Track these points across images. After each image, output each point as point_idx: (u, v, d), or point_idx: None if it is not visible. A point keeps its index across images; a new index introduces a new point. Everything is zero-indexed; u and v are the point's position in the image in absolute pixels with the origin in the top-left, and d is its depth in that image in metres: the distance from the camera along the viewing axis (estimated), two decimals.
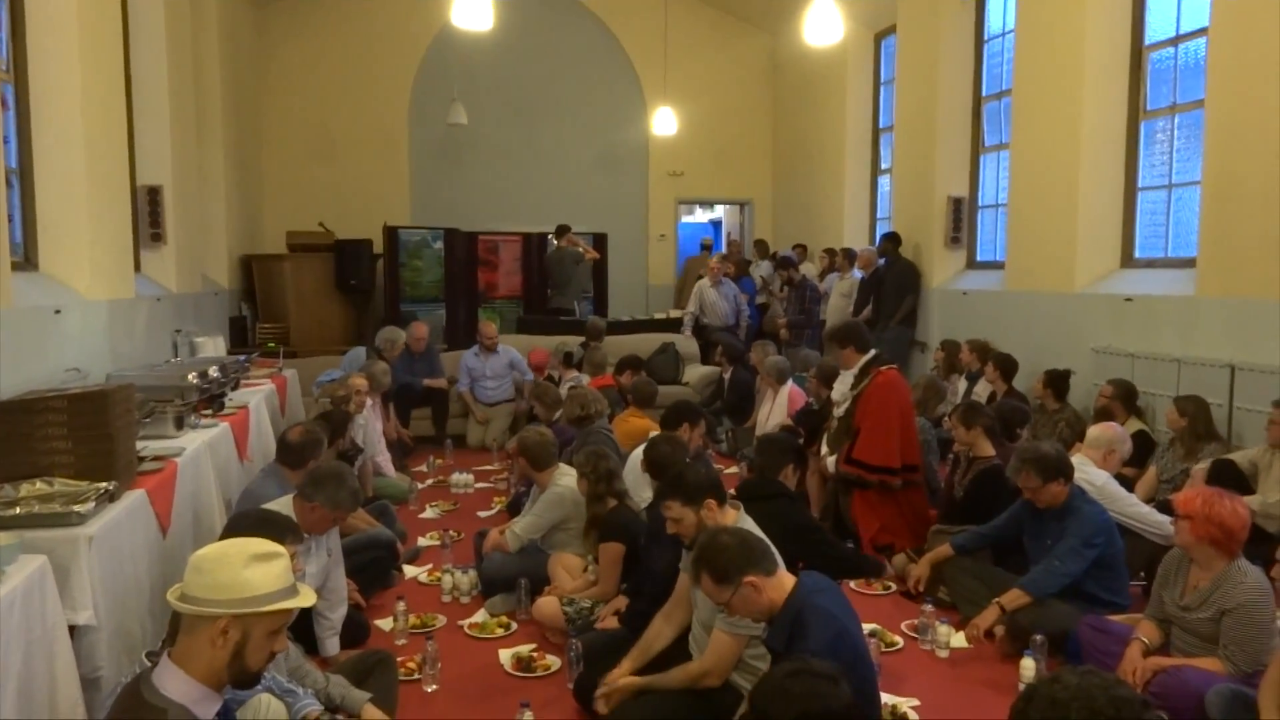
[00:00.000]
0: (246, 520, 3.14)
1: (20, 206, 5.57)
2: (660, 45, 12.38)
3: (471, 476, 7.10)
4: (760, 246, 11.98)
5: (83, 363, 5.46)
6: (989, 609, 4.04)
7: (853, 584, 4.90)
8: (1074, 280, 7.20)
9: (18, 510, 3.20)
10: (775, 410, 7.36)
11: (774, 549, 2.72)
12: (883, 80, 11.07)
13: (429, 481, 7.12)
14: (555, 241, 11.16)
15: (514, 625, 4.40)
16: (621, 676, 3.34)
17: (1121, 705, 1.62)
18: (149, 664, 2.37)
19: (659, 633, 3.50)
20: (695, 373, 9.39)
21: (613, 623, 4.05)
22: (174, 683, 2.02)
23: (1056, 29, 7.31)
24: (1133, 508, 4.51)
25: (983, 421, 5.08)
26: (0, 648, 2.59)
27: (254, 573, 2.07)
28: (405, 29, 12.33)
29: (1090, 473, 4.51)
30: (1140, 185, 7.08)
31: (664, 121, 11.75)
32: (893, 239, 9.31)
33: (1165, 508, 4.67)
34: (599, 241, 11.72)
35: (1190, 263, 6.27)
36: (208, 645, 2.03)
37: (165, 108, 7.71)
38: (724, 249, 12.54)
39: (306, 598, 2.18)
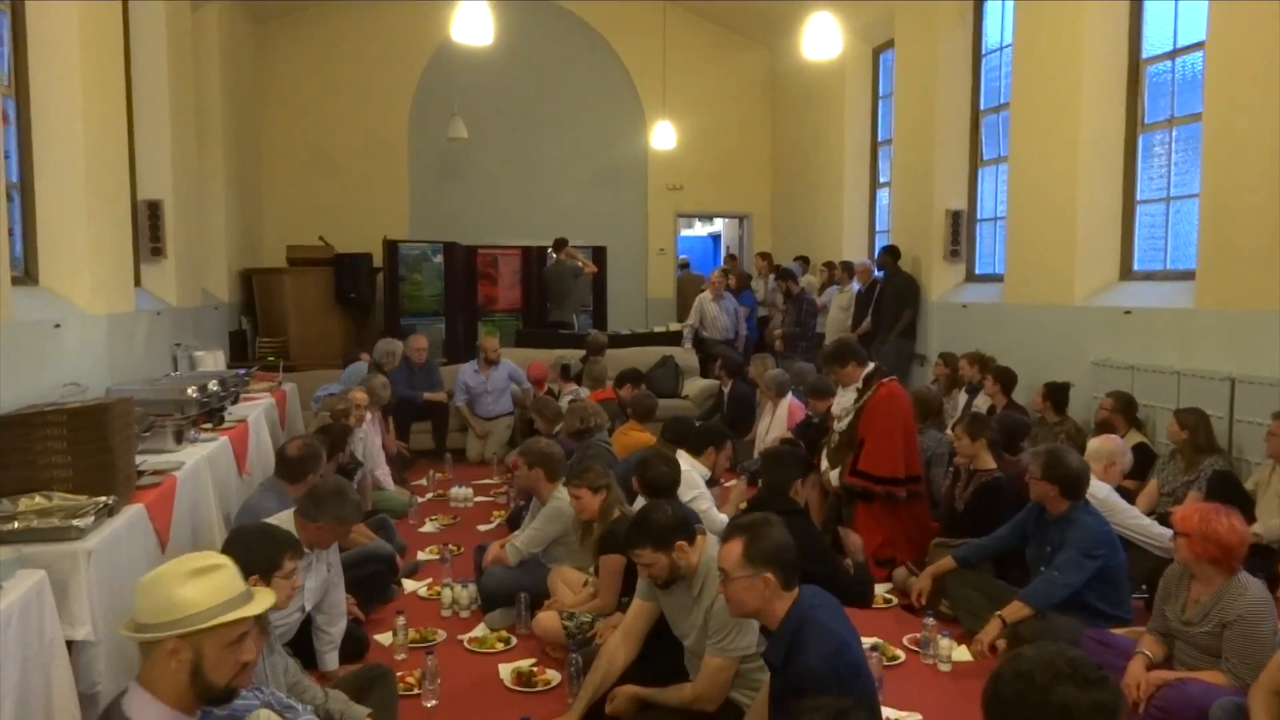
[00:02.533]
0: (246, 534, 3.13)
1: (21, 220, 5.57)
2: (659, 60, 12.43)
3: (471, 490, 7.09)
4: (764, 259, 12.00)
5: (82, 377, 5.45)
6: (991, 622, 4.03)
7: None
8: (1073, 293, 7.21)
9: (16, 525, 3.19)
10: (775, 423, 7.36)
11: (799, 570, 2.72)
12: (881, 94, 11.10)
13: (428, 495, 7.11)
14: (554, 255, 11.17)
15: (514, 640, 4.38)
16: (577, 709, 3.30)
17: (1077, 664, 1.78)
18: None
19: (610, 660, 3.42)
20: (695, 386, 9.39)
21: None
22: (142, 708, 2.01)
23: (1054, 43, 7.34)
24: (1134, 520, 4.50)
25: (987, 434, 5.08)
26: None
27: (190, 590, 2.05)
28: (405, 44, 12.38)
29: (1091, 485, 4.50)
30: (1139, 198, 7.09)
31: (663, 135, 11.79)
32: (891, 252, 9.33)
33: (1166, 520, 4.67)
34: (598, 255, 11.74)
35: (1189, 275, 6.27)
36: (165, 668, 2.03)
37: (166, 122, 7.73)
38: (723, 263, 12.56)
39: (260, 602, 2.16)
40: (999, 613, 4.03)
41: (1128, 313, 6.69)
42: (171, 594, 2.04)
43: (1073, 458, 4.16)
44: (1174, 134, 6.80)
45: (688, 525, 3.28)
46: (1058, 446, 4.33)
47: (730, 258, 13.34)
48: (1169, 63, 6.80)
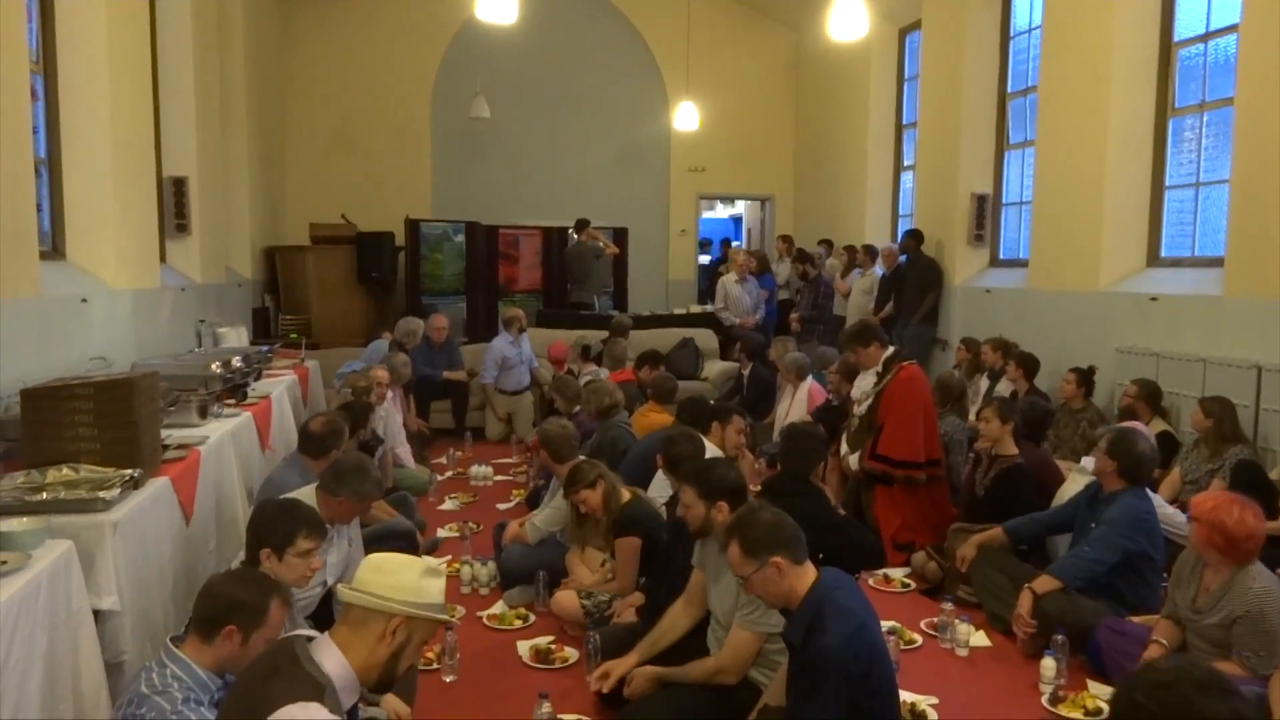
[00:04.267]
0: (272, 509, 3.16)
1: (49, 196, 5.63)
2: (683, 40, 12.35)
3: (491, 469, 7.13)
4: (786, 242, 11.95)
5: (108, 351, 5.51)
6: (1023, 594, 4.03)
7: (870, 581, 4.89)
8: (1098, 279, 7.13)
9: (44, 496, 3.24)
10: (795, 407, 7.34)
11: (805, 540, 2.72)
12: (907, 76, 10.99)
13: (448, 474, 7.15)
14: (575, 236, 11.17)
15: (532, 617, 4.41)
16: (627, 667, 3.35)
17: (1215, 676, 1.78)
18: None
19: (671, 625, 3.50)
20: (714, 368, 9.39)
21: (630, 616, 4.06)
22: (332, 662, 2.06)
23: (1084, 25, 7.23)
24: (1158, 509, 4.46)
25: (1015, 419, 5.07)
26: (27, 631, 2.62)
27: (429, 583, 2.18)
28: (429, 22, 12.36)
29: None
30: (1167, 183, 6.99)
31: (686, 116, 11.72)
32: (915, 236, 9.26)
33: (1188, 509, 4.64)
34: (619, 236, 11.72)
35: (1218, 262, 6.19)
36: (374, 639, 2.11)
37: (191, 99, 7.76)
38: (745, 245, 12.51)
39: (450, 613, 2.28)
40: (1029, 584, 4.03)
41: (1154, 299, 6.61)
42: (419, 580, 2.16)
43: (1144, 443, 4.14)
44: (1205, 119, 6.69)
45: (739, 493, 3.36)
46: (1132, 428, 4.29)
47: (725, 243, 13.39)
48: (1201, 46, 6.68)
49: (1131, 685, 1.82)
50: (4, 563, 2.67)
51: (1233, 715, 1.72)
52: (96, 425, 3.54)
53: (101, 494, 3.25)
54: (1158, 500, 4.54)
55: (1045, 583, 4.01)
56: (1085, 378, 6.38)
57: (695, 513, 3.35)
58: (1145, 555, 3.99)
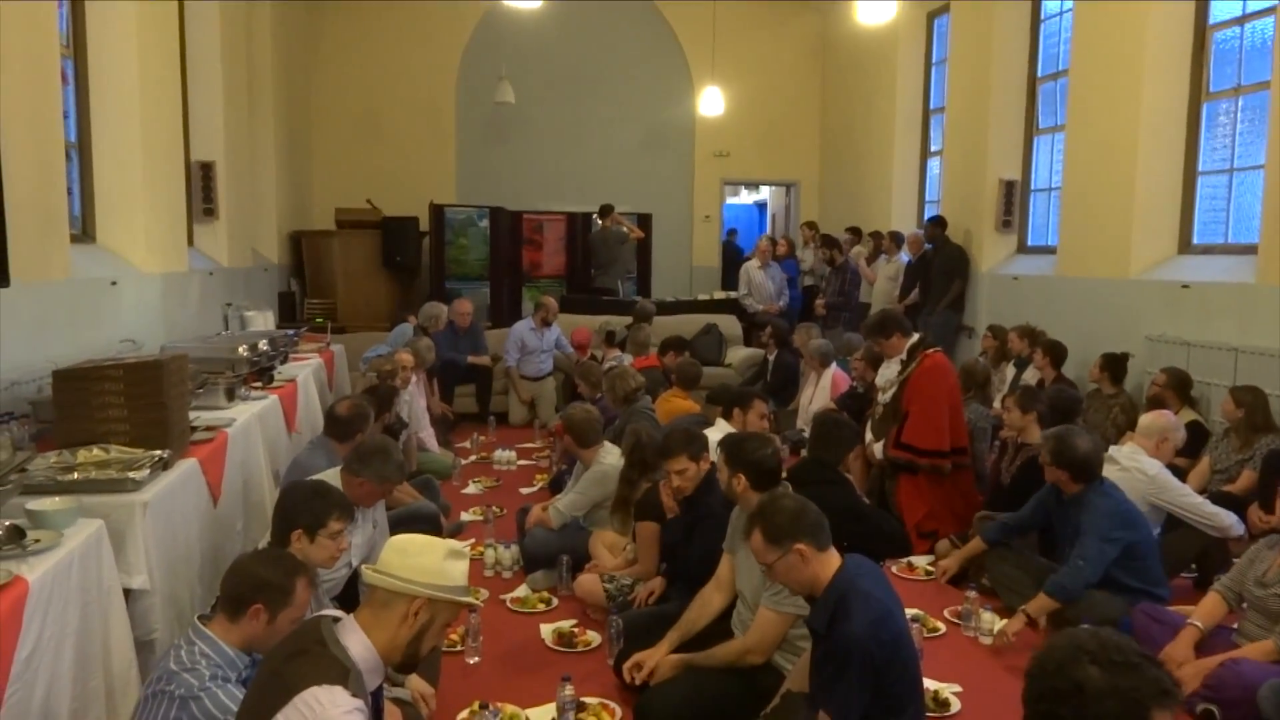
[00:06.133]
0: (304, 490, 3.18)
1: (79, 180, 5.69)
2: (708, 23, 12.26)
3: (514, 453, 7.16)
4: (810, 229, 11.88)
5: (137, 334, 5.57)
6: (1015, 616, 3.99)
7: (894, 569, 4.88)
8: (1129, 266, 7.04)
9: (76, 475, 3.28)
10: (819, 394, 7.32)
11: (828, 527, 2.71)
12: (935, 60, 10.86)
13: (472, 458, 7.19)
14: (599, 221, 11.16)
15: (555, 601, 4.44)
16: (659, 655, 3.35)
17: (1109, 646, 1.75)
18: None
19: (701, 612, 3.51)
20: (738, 354, 9.36)
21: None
22: (357, 644, 2.09)
23: (1117, 7, 7.11)
24: (1185, 498, 4.41)
25: (1038, 408, 5.02)
26: (59, 607, 2.66)
27: (452, 565, 2.20)
28: (454, 7, 12.33)
29: (1143, 462, 4.43)
30: (1201, 169, 6.88)
31: (711, 101, 11.65)
32: (939, 223, 9.17)
33: (1219, 499, 4.59)
34: (643, 222, 11.69)
35: (1251, 249, 6.09)
36: (397, 621, 2.14)
37: (218, 85, 7.81)
38: (769, 231, 12.45)
39: (476, 597, 2.29)
40: (1023, 608, 3.97)
41: (1185, 287, 6.52)
42: (441, 563, 2.18)
43: (1082, 440, 4.07)
44: (1240, 103, 6.57)
45: (766, 473, 3.42)
46: (1066, 429, 4.22)
47: (731, 231, 13.42)
48: (1237, 29, 6.56)
49: (1038, 652, 1.85)
50: (37, 540, 2.71)
51: (1111, 689, 1.70)
52: (127, 406, 3.58)
53: (131, 474, 3.28)
54: (1183, 490, 4.48)
55: (1041, 604, 3.93)
56: (1114, 364, 6.29)
57: (723, 477, 3.50)
58: (1133, 543, 3.95)
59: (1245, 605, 3.51)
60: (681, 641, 3.44)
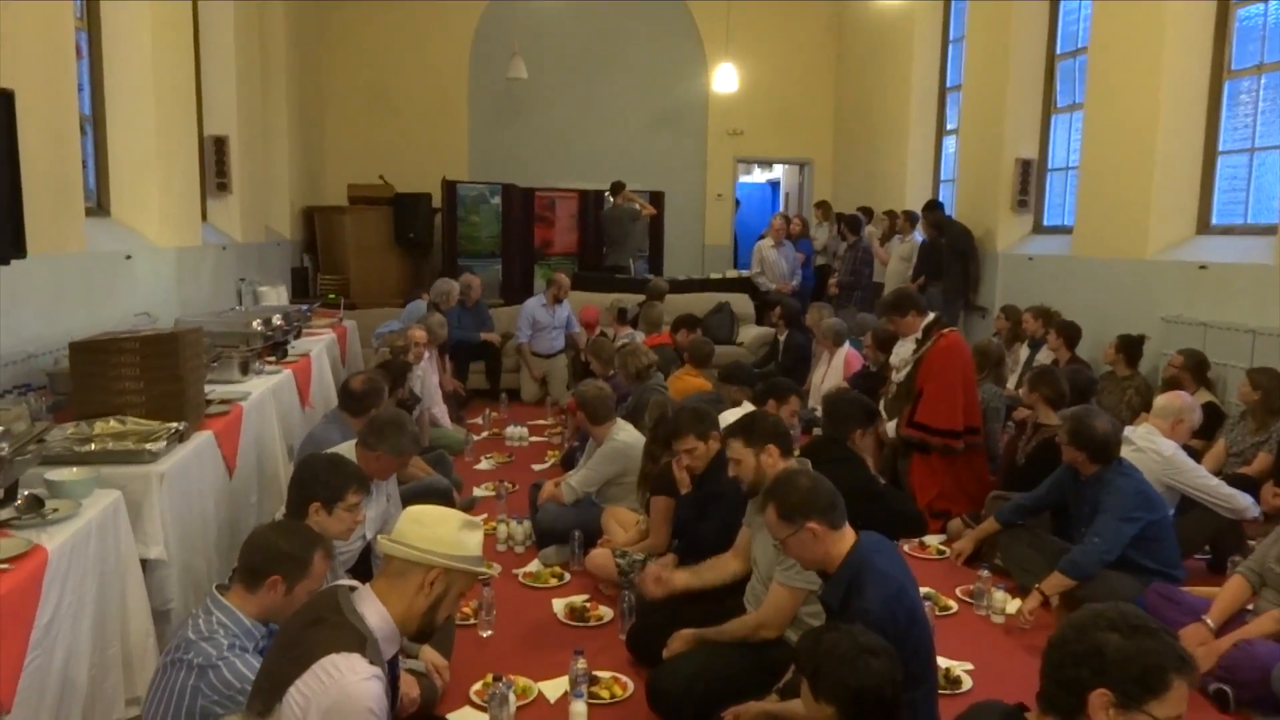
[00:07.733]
0: (321, 463, 3.20)
1: (94, 153, 5.69)
2: (724, 1, 12.15)
3: (526, 430, 7.17)
4: (823, 208, 11.82)
5: (152, 307, 5.59)
6: (1031, 595, 3.99)
7: (906, 547, 4.88)
8: (1146, 246, 6.98)
9: (93, 446, 3.31)
10: (831, 373, 7.30)
11: (843, 505, 2.71)
12: (951, 38, 10.74)
13: (484, 434, 7.21)
14: (611, 199, 11.12)
15: (567, 575, 4.46)
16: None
17: (1128, 615, 1.79)
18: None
19: (717, 566, 3.61)
20: (750, 333, 9.35)
21: (657, 589, 4.09)
22: (373, 613, 2.11)
23: None
24: (1200, 480, 4.39)
25: (1052, 389, 5.00)
26: (78, 576, 2.69)
27: (467, 535, 2.22)
28: None
29: (1158, 443, 4.41)
30: (1221, 149, 6.80)
31: (725, 78, 11.56)
32: (932, 208, 9.11)
33: (1234, 481, 4.56)
34: (656, 200, 11.63)
35: (1271, 230, 6.03)
36: (413, 590, 2.16)
37: (231, 59, 7.79)
38: (782, 209, 12.38)
39: (490, 567, 2.30)
40: (1039, 585, 3.98)
41: (1203, 268, 6.47)
42: (456, 533, 2.20)
43: (1100, 421, 4.06)
44: (1263, 81, 6.49)
45: (785, 438, 3.43)
46: (1085, 410, 4.22)
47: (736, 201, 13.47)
48: (1261, 6, 6.46)
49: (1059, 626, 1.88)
50: (55, 510, 2.73)
51: (1135, 651, 1.72)
52: (143, 379, 3.60)
53: (148, 446, 3.31)
54: (1199, 471, 4.46)
55: (1056, 583, 3.94)
56: (1130, 346, 6.26)
57: (746, 465, 3.36)
58: (1151, 523, 3.94)
59: (1266, 588, 3.49)
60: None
